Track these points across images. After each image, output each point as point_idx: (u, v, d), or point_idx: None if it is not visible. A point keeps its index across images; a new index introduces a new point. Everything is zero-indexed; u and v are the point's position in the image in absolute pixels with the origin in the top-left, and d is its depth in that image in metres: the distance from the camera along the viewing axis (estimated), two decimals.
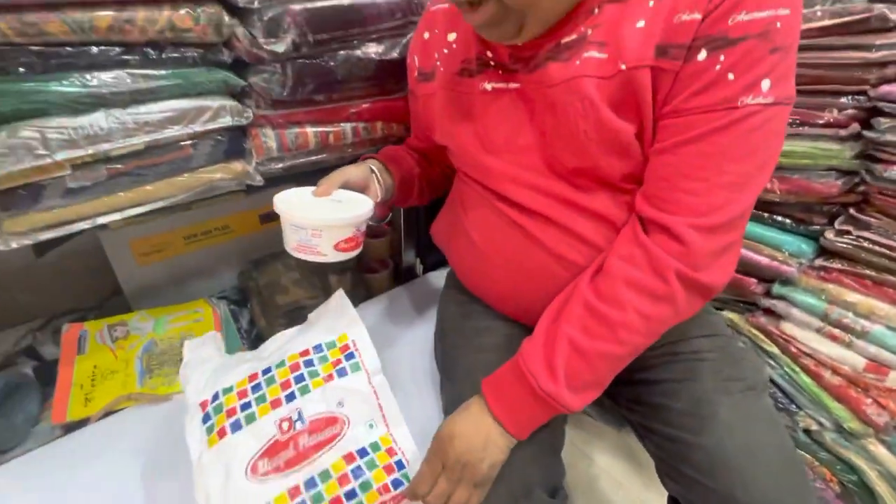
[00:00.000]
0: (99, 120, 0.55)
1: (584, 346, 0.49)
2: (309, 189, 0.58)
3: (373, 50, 0.73)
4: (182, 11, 0.54)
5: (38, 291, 0.93)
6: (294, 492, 0.51)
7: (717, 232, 0.46)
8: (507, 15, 0.46)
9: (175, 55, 0.57)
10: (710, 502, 0.52)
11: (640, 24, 0.45)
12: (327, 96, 0.73)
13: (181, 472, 0.61)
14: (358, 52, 0.72)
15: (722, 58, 0.42)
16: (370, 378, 0.60)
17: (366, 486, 0.53)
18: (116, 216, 0.61)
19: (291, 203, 0.53)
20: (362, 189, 0.62)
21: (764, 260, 0.90)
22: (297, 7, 0.61)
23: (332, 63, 0.69)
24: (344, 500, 0.51)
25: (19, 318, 0.89)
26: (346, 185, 0.60)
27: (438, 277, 1.00)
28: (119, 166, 0.58)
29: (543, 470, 0.57)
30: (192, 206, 0.91)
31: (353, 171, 0.62)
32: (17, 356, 0.86)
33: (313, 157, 0.77)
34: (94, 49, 0.52)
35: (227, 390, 0.57)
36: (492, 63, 0.56)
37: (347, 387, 0.58)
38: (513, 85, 0.55)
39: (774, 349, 0.92)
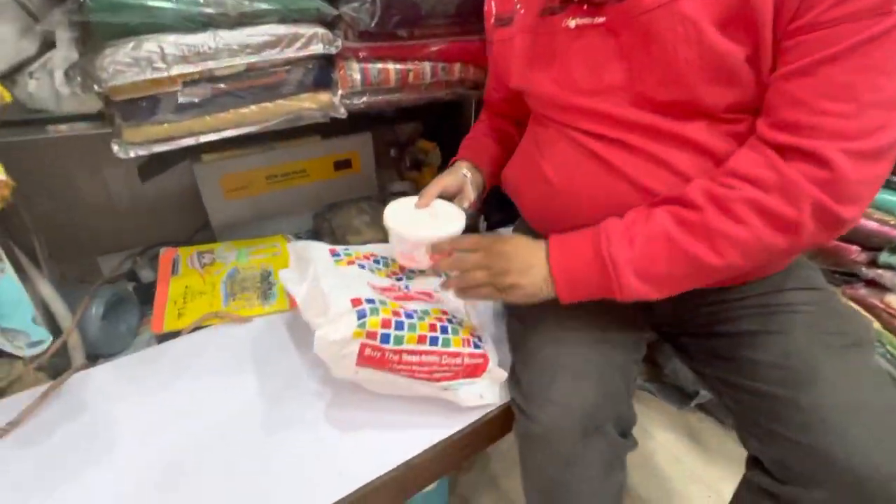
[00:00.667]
0: (207, 39, 0.58)
1: (675, 235, 0.47)
2: (412, 200, 0.67)
3: None
4: None
5: (140, 222, 1.02)
6: (396, 312, 0.55)
7: (869, 159, 0.41)
8: None
9: None
10: (803, 462, 0.47)
11: None
12: (410, 32, 0.74)
13: (261, 381, 0.65)
14: None
15: None
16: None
17: (455, 330, 0.59)
18: (214, 136, 0.66)
19: (398, 217, 0.63)
20: (458, 194, 0.70)
21: (872, 224, 0.82)
22: None
23: None
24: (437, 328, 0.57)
25: (123, 246, 0.99)
26: (443, 194, 0.68)
27: (508, 231, 0.99)
28: (222, 86, 0.63)
29: (616, 409, 0.55)
30: (276, 146, 0.97)
31: (448, 181, 0.69)
32: (120, 278, 0.95)
33: (393, 96, 0.79)
34: None
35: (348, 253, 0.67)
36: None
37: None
38: (599, 19, 0.52)
39: (877, 325, 0.83)
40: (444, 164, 1.24)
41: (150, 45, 0.55)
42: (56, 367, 0.70)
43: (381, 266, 0.69)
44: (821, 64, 0.41)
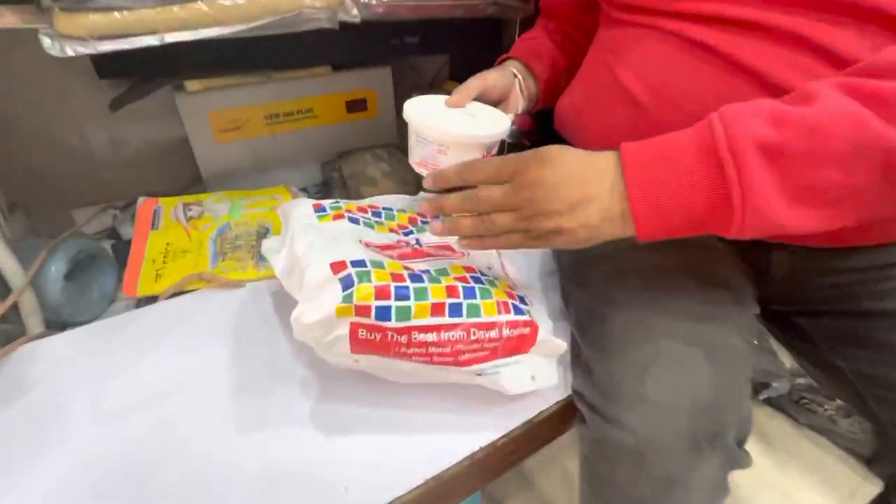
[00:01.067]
0: None
1: (860, 116, 0.28)
2: (442, 97, 0.50)
3: None
4: None
5: (122, 173, 0.88)
6: (397, 276, 0.40)
7: None
8: None
9: None
10: None
11: None
12: None
13: (250, 361, 0.51)
14: None
15: None
16: None
17: (486, 292, 0.42)
18: (187, 35, 0.49)
19: (422, 112, 0.46)
20: (502, 99, 0.52)
21: None
22: None
23: None
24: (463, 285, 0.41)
25: (103, 198, 0.85)
26: (485, 95, 0.51)
27: None
28: None
29: (738, 410, 0.39)
30: (275, 77, 0.80)
31: (493, 77, 0.51)
32: (99, 236, 0.82)
33: (421, 1, 0.61)
34: None
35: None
36: None
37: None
38: None
39: None
40: None
41: None
42: (8, 335, 0.57)
43: (382, 220, 0.52)
44: None
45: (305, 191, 0.84)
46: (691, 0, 0.40)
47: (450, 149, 0.43)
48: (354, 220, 0.49)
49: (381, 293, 0.37)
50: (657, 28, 0.42)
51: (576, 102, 0.53)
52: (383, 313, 0.37)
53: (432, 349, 0.39)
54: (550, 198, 0.34)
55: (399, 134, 0.98)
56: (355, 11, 0.56)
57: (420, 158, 0.46)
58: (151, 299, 0.63)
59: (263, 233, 0.72)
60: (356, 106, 0.88)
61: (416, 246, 0.49)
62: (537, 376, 0.44)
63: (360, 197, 0.78)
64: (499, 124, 0.46)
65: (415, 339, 0.38)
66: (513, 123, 0.50)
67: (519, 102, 0.54)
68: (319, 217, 0.47)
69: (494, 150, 0.48)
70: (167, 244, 0.69)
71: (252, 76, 0.77)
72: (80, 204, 0.84)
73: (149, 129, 0.86)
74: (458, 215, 0.40)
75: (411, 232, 0.52)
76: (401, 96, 1.04)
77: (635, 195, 0.32)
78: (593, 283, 0.48)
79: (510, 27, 0.88)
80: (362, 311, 0.36)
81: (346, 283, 0.36)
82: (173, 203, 0.75)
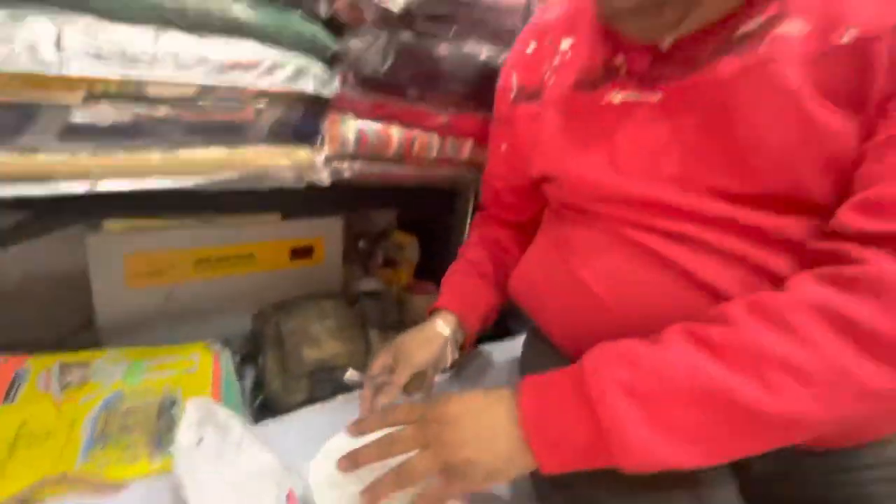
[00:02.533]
0: (144, 37, 0.38)
1: (701, 365, 0.31)
2: (352, 442, 0.41)
3: (481, 51, 0.61)
4: None
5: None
6: None
7: None
8: None
9: None
10: None
11: None
12: (422, 93, 0.59)
13: None
14: (466, 49, 0.60)
15: None
16: None
17: None
18: (126, 185, 0.42)
19: (329, 472, 0.41)
20: (435, 373, 0.54)
21: None
22: None
23: (438, 52, 0.57)
24: None
25: None
26: (415, 375, 0.51)
27: (498, 350, 0.76)
28: (151, 112, 0.41)
29: None
30: (215, 222, 0.73)
31: (420, 357, 0.52)
32: None
33: (390, 167, 0.61)
34: None
35: None
36: (622, 70, 0.43)
37: None
38: (652, 96, 0.41)
39: None
40: (424, 263, 1.07)
41: (39, 21, 0.34)
42: None
43: None
44: None
45: (229, 344, 0.71)
46: (645, 214, 0.42)
47: None
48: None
49: None
50: (618, 234, 0.44)
51: (533, 285, 0.54)
52: None
53: None
54: (456, 428, 0.36)
55: (346, 283, 0.92)
56: (326, 174, 0.54)
57: None
58: None
59: (168, 405, 0.56)
60: (301, 253, 0.82)
61: None
62: None
63: (300, 359, 0.68)
64: None
65: None
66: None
67: (448, 360, 0.55)
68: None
69: None
70: (22, 423, 0.51)
71: (190, 215, 0.70)
72: None
73: (34, 251, 0.70)
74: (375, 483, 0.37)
75: None
76: (350, 242, 1.02)
77: (530, 431, 0.35)
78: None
79: (466, 187, 0.93)
80: None
81: None
82: (46, 365, 0.57)
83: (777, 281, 0.36)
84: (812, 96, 0.33)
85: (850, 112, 0.33)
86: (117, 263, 0.66)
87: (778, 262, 0.37)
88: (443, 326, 0.55)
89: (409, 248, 1.02)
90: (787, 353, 0.30)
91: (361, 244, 1.03)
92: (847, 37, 0.33)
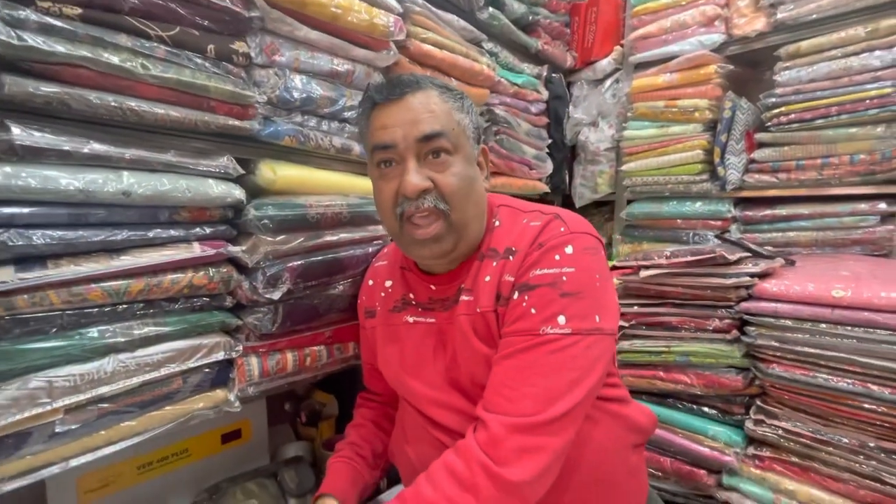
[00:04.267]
0: (105, 365, 0.61)
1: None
2: None
3: (347, 289, 0.89)
4: (201, 273, 0.68)
5: None
6: None
7: (523, 432, 0.53)
8: (449, 231, 0.61)
9: (186, 305, 0.69)
10: None
11: (487, 279, 0.63)
12: (308, 326, 0.85)
13: None
14: (336, 291, 0.87)
15: (526, 298, 0.58)
16: None
17: None
18: (89, 457, 0.62)
19: None
20: None
21: (706, 450, 0.99)
22: (295, 263, 0.78)
23: (315, 301, 0.83)
24: None
25: None
26: None
27: None
28: (108, 405, 0.62)
29: None
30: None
31: None
32: None
33: (290, 379, 0.84)
34: (121, 307, 0.62)
35: None
36: (413, 302, 0.72)
37: None
38: (430, 319, 0.70)
39: None
40: (342, 418, 1.25)
41: (37, 382, 0.56)
42: None
43: None
44: (501, 360, 0.59)
45: None
46: (426, 406, 0.68)
47: None
48: None
49: None
50: (420, 420, 0.70)
51: (391, 448, 0.78)
52: None
53: None
54: None
55: (270, 451, 1.09)
56: (238, 404, 0.76)
57: None
58: None
59: None
60: (231, 436, 1.00)
61: None
62: None
63: None
64: None
65: None
66: None
67: None
68: None
69: None
70: None
71: None
72: None
73: None
74: None
75: None
76: (274, 408, 1.19)
77: None
78: None
79: None
80: None
81: None
82: None
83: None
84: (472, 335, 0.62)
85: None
86: (70, 487, 0.81)
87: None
88: None
89: (329, 405, 1.22)
90: (430, 499, 0.52)
91: (287, 406, 1.22)
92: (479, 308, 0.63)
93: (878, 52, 1.09)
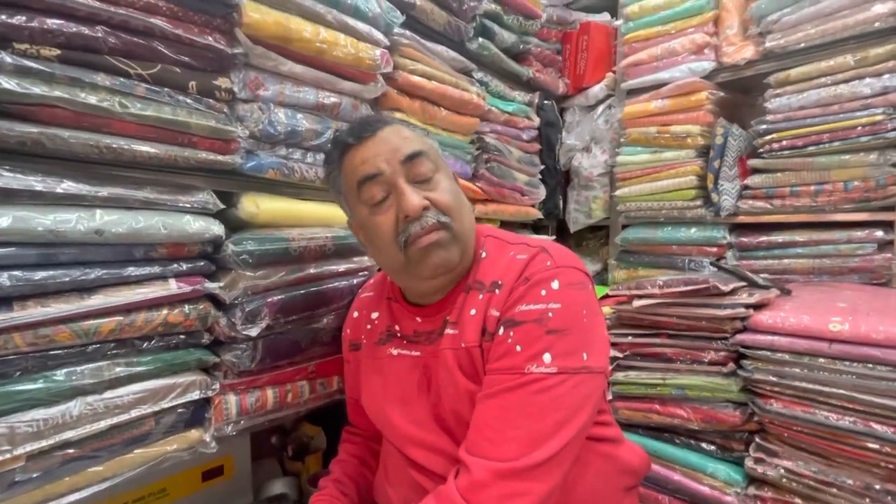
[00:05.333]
0: (72, 408, 0.59)
1: None
2: None
3: (331, 322, 0.87)
4: (177, 311, 0.67)
5: None
6: None
7: (506, 477, 0.50)
8: (454, 241, 0.60)
9: (161, 343, 0.67)
10: None
11: (473, 312, 0.61)
12: (289, 361, 0.83)
13: None
14: (319, 324, 0.85)
15: (512, 334, 0.56)
16: None
17: None
18: (77, 495, 0.60)
19: None
20: None
21: (705, 489, 0.95)
22: (275, 298, 0.76)
23: (297, 335, 0.82)
24: None
25: None
26: None
27: None
28: (73, 451, 0.60)
29: None
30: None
31: None
32: None
33: (271, 416, 0.82)
34: (90, 347, 0.61)
35: None
36: (398, 334, 0.70)
37: None
38: (415, 353, 0.68)
39: None
40: (330, 451, 1.22)
41: None
42: None
43: None
44: (483, 399, 0.56)
45: None
46: (404, 444, 0.65)
47: None
48: None
49: None
50: (400, 458, 0.67)
51: (375, 487, 0.74)
52: None
53: None
54: None
55: (254, 488, 1.05)
56: (214, 444, 0.73)
57: None
58: None
59: None
60: (213, 473, 0.96)
61: None
62: None
63: None
64: None
65: None
66: None
67: None
68: None
69: None
70: None
71: None
72: None
73: None
74: None
75: None
76: (259, 441, 1.16)
77: None
78: None
79: None
80: None
81: None
82: None
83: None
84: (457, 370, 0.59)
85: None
86: None
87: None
88: None
89: (317, 438, 1.19)
90: None
91: (273, 440, 1.19)
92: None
93: (867, 80, 1.09)
